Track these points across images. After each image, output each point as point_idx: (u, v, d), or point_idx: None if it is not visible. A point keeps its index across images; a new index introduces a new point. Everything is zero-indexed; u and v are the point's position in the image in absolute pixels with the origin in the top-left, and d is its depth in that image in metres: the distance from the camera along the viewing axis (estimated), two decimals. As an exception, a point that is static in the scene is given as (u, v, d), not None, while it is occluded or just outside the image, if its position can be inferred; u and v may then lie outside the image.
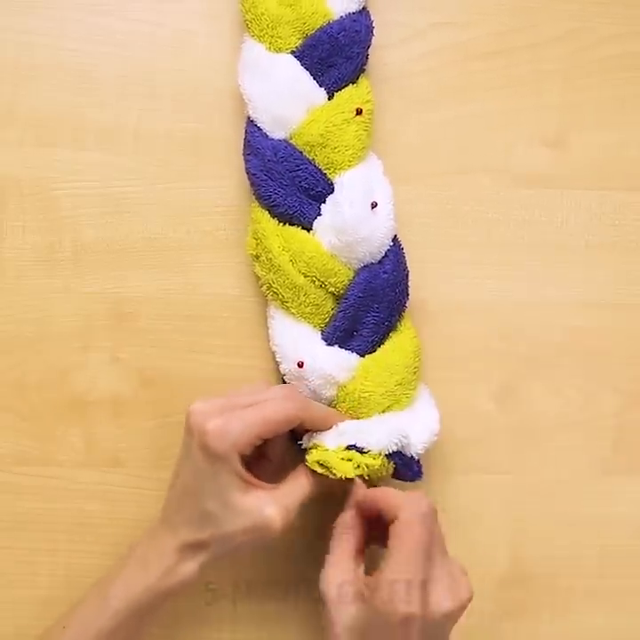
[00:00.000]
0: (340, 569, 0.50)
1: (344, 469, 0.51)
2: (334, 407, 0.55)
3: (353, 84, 0.56)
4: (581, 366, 0.60)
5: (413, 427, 0.54)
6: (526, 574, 0.60)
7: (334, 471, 0.51)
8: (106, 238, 0.58)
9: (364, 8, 0.56)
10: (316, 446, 0.52)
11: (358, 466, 0.51)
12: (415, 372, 0.55)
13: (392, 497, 0.50)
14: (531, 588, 0.60)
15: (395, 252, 0.55)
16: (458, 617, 0.48)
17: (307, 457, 0.52)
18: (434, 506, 0.49)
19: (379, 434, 0.52)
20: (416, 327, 0.57)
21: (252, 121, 0.55)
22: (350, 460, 0.51)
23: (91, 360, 0.58)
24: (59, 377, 0.58)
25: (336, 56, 0.55)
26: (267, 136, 0.55)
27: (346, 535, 0.52)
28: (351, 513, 0.52)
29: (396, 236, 0.56)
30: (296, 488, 0.52)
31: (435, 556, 0.48)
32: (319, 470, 0.51)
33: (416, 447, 0.53)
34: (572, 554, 0.60)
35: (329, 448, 0.52)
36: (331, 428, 0.53)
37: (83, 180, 0.58)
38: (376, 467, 0.51)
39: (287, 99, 0.55)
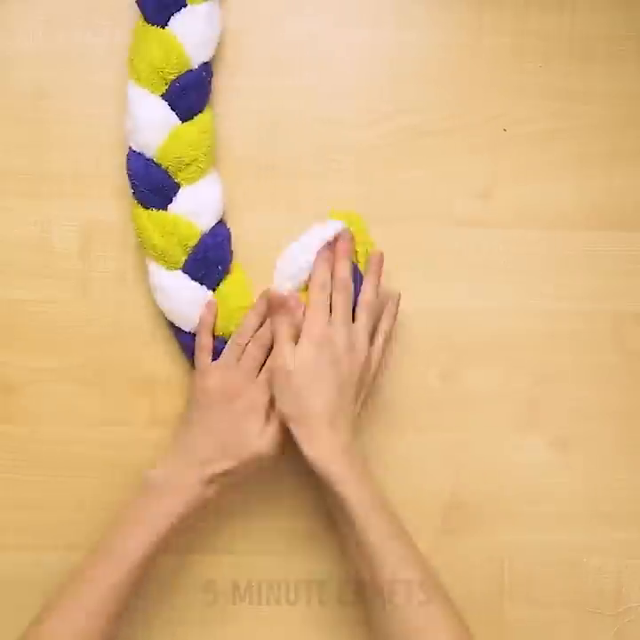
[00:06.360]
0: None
1: None
2: None
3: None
4: (503, 354, 0.70)
5: None
6: (462, 503, 0.69)
7: None
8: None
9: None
10: None
11: None
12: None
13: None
14: (465, 513, 0.69)
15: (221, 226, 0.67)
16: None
17: None
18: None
19: None
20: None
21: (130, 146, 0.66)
22: None
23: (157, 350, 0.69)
24: (132, 363, 0.69)
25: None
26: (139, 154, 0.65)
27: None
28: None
29: (222, 219, 0.66)
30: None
31: None
32: None
33: None
34: (494, 488, 0.69)
35: None
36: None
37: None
38: None
39: (148, 130, 0.65)
